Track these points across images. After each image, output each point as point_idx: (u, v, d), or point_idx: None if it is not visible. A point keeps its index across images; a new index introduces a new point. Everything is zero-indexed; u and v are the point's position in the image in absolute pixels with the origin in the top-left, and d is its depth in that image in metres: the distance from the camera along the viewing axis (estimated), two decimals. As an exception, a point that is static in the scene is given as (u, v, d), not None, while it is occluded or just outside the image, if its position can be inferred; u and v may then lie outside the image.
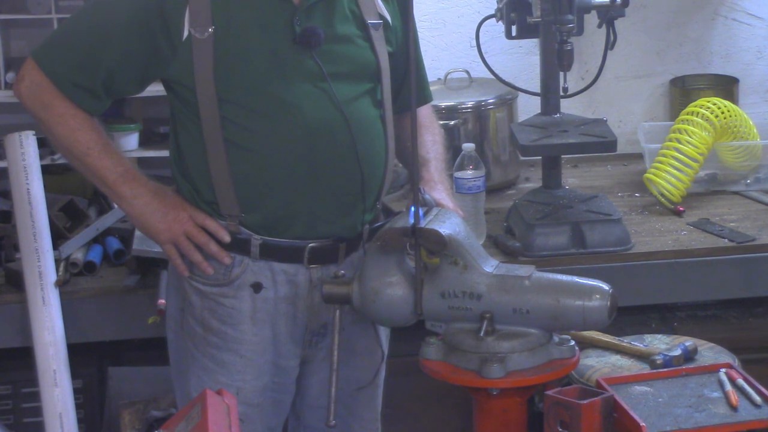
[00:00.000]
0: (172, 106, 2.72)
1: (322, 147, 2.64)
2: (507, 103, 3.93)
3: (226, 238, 2.69)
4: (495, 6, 3.69)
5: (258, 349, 2.73)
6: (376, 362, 2.83)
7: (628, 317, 3.44)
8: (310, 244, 2.70)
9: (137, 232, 3.33)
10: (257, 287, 2.71)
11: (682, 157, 3.75)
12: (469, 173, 3.49)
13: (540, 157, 3.75)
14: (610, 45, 3.62)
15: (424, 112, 2.94)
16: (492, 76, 3.82)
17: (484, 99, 3.91)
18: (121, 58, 2.61)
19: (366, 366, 2.83)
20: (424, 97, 2.96)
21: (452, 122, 3.81)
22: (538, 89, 3.70)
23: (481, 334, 2.46)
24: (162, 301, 3.13)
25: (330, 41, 2.64)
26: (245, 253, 2.70)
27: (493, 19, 3.70)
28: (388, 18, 2.75)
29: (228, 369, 2.73)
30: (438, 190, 2.76)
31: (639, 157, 4.05)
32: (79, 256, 3.45)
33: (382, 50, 2.72)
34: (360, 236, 2.76)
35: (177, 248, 2.71)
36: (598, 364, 2.99)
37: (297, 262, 2.71)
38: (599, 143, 3.53)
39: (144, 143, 3.85)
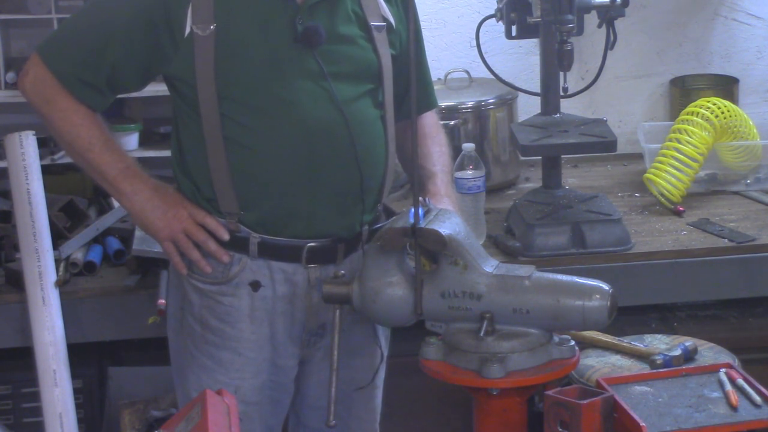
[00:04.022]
0: (173, 102, 2.72)
1: (321, 146, 2.64)
2: (507, 103, 3.93)
3: (225, 236, 2.69)
4: (495, 6, 3.69)
5: (256, 348, 2.73)
6: (375, 363, 2.83)
7: (628, 317, 3.44)
8: (309, 244, 2.70)
9: (137, 232, 3.33)
10: (255, 286, 2.71)
11: (682, 157, 3.75)
12: (469, 173, 3.49)
13: (540, 157, 3.75)
14: (610, 45, 3.62)
15: (430, 121, 2.94)
16: (492, 76, 3.82)
17: (484, 99, 3.91)
18: (125, 55, 2.62)
19: (365, 367, 2.83)
20: (429, 103, 2.96)
21: (452, 122, 3.82)
22: (538, 89, 3.70)
23: (481, 334, 2.46)
24: (162, 301, 3.13)
25: (332, 41, 2.64)
26: (244, 252, 2.70)
27: (493, 19, 3.71)
28: (392, 20, 2.75)
29: (226, 367, 2.73)
30: (444, 203, 2.75)
31: (639, 157, 4.06)
32: (79, 256, 3.45)
33: (385, 52, 2.72)
34: (359, 237, 2.76)
35: (176, 246, 2.71)
36: (598, 364, 2.99)
37: (295, 261, 2.71)
38: (599, 143, 3.53)
39: (144, 143, 3.85)
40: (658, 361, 2.94)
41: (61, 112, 2.65)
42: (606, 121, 3.66)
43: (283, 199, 2.67)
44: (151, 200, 2.70)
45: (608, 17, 3.55)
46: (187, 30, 2.59)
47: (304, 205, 2.68)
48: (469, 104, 3.90)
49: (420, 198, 2.59)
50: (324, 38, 2.62)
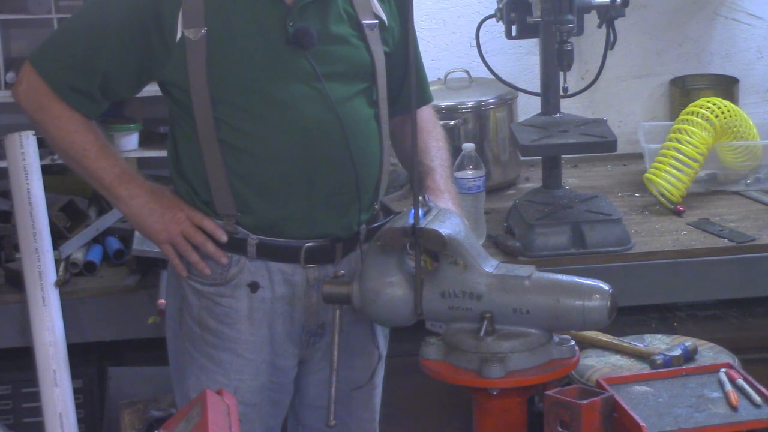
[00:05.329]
0: (168, 107, 2.72)
1: (316, 147, 2.64)
2: (507, 103, 3.93)
3: (223, 237, 2.69)
4: (495, 6, 3.69)
5: (255, 349, 2.73)
6: (374, 363, 2.83)
7: (628, 317, 3.44)
8: (307, 244, 2.70)
9: (137, 232, 3.33)
10: (254, 287, 2.71)
11: (682, 157, 3.75)
12: (469, 173, 3.49)
13: (540, 157, 3.75)
14: (610, 45, 3.62)
15: (426, 116, 2.94)
16: (492, 76, 3.82)
17: (484, 99, 3.91)
18: (117, 61, 2.62)
19: (364, 366, 2.83)
20: (425, 97, 2.96)
21: (452, 122, 3.81)
22: (538, 89, 3.70)
23: (481, 334, 2.46)
24: (162, 301, 3.13)
25: (324, 41, 2.64)
26: (242, 253, 2.70)
27: (493, 19, 3.71)
28: (384, 18, 2.75)
29: (225, 368, 2.73)
30: (444, 200, 2.75)
31: (639, 157, 4.06)
32: (79, 256, 3.45)
33: (378, 50, 2.72)
34: (357, 236, 2.76)
35: (175, 248, 2.72)
36: (598, 364, 2.99)
37: (293, 261, 2.71)
38: (599, 143, 3.53)
39: (144, 143, 3.85)
40: (658, 361, 2.94)
41: (55, 120, 2.66)
42: (606, 121, 3.66)
43: (279, 201, 2.67)
44: (148, 204, 2.70)
45: (608, 17, 3.55)
46: (179, 34, 2.59)
47: (301, 205, 2.68)
48: (469, 104, 3.90)
49: (420, 197, 2.59)
50: (315, 39, 2.62)
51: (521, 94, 3.93)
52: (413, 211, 2.49)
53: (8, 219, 3.52)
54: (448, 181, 2.84)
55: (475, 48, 3.79)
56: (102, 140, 2.70)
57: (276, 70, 2.62)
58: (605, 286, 2.48)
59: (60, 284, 3.29)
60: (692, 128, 3.76)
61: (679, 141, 3.77)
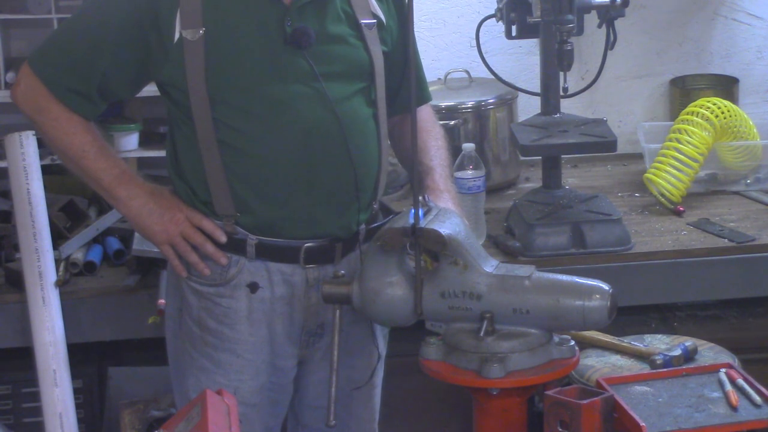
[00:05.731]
0: (167, 107, 2.72)
1: (315, 147, 2.64)
2: (507, 103, 3.93)
3: (222, 238, 2.69)
4: (495, 6, 3.69)
5: (255, 349, 2.73)
6: (374, 362, 2.83)
7: (628, 317, 3.44)
8: (306, 244, 2.70)
9: (137, 232, 3.33)
10: (253, 287, 2.71)
11: (682, 157, 3.75)
12: (469, 173, 3.49)
13: (540, 157, 3.75)
14: (610, 45, 3.62)
15: (425, 116, 2.94)
16: (492, 76, 3.82)
17: (484, 99, 3.91)
18: (115, 63, 2.62)
19: (363, 366, 2.83)
20: (423, 97, 2.96)
21: (452, 122, 3.81)
22: (538, 89, 3.70)
23: (481, 334, 2.46)
24: (162, 301, 3.13)
25: (322, 41, 2.64)
26: (241, 253, 2.70)
27: (493, 19, 3.71)
28: (382, 17, 2.75)
29: (225, 369, 2.73)
30: (444, 199, 2.75)
31: (639, 157, 4.06)
32: (79, 256, 3.45)
33: (376, 49, 2.72)
34: (356, 236, 2.76)
35: (174, 249, 2.72)
36: (598, 364, 2.99)
37: (293, 262, 2.71)
38: (599, 143, 3.53)
39: (144, 143, 3.85)
40: (658, 361, 2.94)
41: (54, 121, 2.66)
42: (606, 121, 3.66)
43: (278, 201, 2.67)
44: (147, 205, 2.70)
45: (608, 17, 3.55)
46: (177, 36, 2.59)
47: (300, 205, 2.68)
48: (469, 104, 3.90)
49: (420, 197, 2.59)
50: (313, 39, 2.62)
51: (521, 94, 3.93)
52: (413, 211, 2.49)
53: (8, 219, 3.52)
54: (447, 180, 2.84)
55: (475, 48, 3.79)
56: (100, 141, 2.70)
57: (274, 70, 2.62)
58: (605, 286, 2.48)
59: (60, 284, 3.29)
60: (692, 128, 3.76)
61: (679, 141, 3.77)
